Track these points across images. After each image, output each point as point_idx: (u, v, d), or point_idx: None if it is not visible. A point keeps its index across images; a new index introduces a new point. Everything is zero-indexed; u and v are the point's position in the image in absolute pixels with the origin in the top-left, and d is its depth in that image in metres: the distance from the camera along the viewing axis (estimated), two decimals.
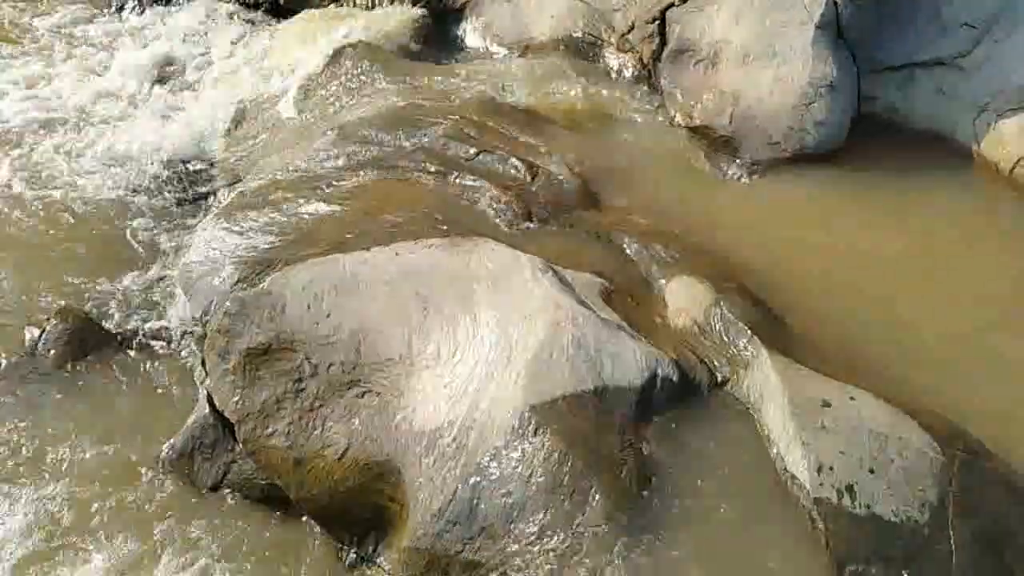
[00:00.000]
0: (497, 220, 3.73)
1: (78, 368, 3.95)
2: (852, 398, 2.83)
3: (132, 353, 4.01)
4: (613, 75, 5.19)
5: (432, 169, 4.02)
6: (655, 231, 3.82)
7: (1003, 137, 4.50)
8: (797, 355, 3.10)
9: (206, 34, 6.45)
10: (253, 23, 6.54)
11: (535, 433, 2.68)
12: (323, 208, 3.86)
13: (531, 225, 3.74)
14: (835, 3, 4.50)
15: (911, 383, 3.09)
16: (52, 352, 3.97)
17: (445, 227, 3.58)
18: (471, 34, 5.81)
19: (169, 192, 4.95)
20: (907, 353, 3.28)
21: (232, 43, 6.30)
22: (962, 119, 4.62)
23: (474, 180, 3.93)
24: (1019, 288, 3.62)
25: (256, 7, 6.75)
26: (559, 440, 2.66)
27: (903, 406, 2.86)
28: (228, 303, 3.38)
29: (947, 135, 4.63)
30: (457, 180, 3.96)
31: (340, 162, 4.23)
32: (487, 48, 5.67)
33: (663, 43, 5.02)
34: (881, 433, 2.70)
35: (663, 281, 3.45)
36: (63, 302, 4.20)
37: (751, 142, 4.49)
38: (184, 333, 3.94)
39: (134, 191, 4.97)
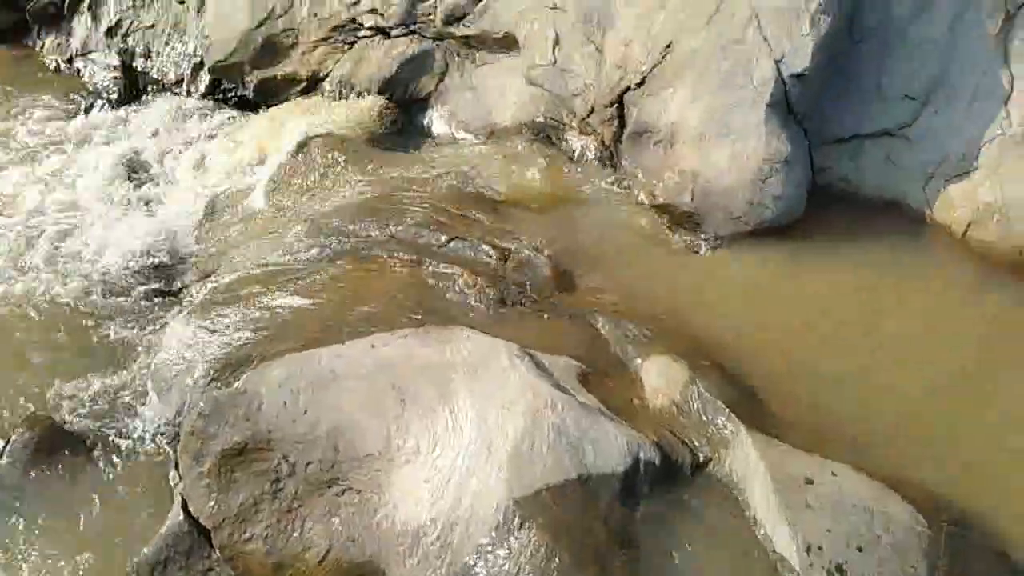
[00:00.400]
0: (471, 306, 3.77)
1: (47, 477, 3.83)
2: (834, 473, 2.86)
3: (103, 458, 3.90)
4: (576, 157, 5.36)
5: (405, 258, 4.07)
6: (627, 309, 3.88)
7: (952, 202, 4.69)
8: (774, 430, 3.14)
9: (175, 129, 6.55)
10: (222, 117, 6.66)
11: (520, 528, 2.65)
12: (297, 301, 3.87)
13: (505, 310, 3.78)
14: (783, 82, 4.72)
15: (888, 453, 3.12)
16: (18, 462, 3.85)
17: (420, 316, 3.61)
18: (437, 122, 5.98)
19: (140, 289, 4.92)
20: (881, 423, 3.32)
21: (201, 137, 6.39)
22: (912, 186, 4.81)
23: (447, 267, 3.98)
24: (984, 354, 3.70)
25: (225, 101, 6.90)
26: (544, 534, 2.62)
27: (883, 478, 2.89)
28: (202, 403, 3.33)
29: (900, 202, 4.81)
30: (430, 268, 4.01)
31: (313, 254, 4.26)
32: (453, 135, 5.83)
33: (622, 125, 5.21)
34: (866, 508, 2.72)
35: (638, 360, 3.49)
36: (30, 408, 4.10)
37: (713, 218, 4.63)
38: (157, 435, 3.86)
39: (104, 289, 4.93)
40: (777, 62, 4.71)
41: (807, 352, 3.70)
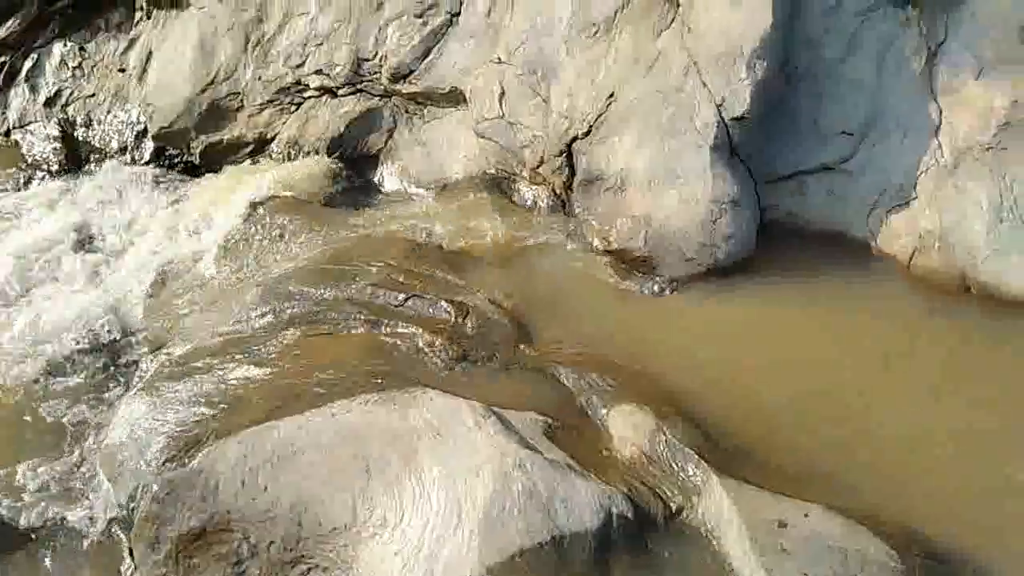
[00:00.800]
0: (432, 366, 3.71)
1: None
2: (806, 515, 2.86)
3: (51, 550, 3.70)
4: (529, 207, 5.39)
5: (362, 320, 4.00)
6: (589, 359, 3.87)
7: (895, 231, 4.84)
8: (743, 472, 3.13)
9: (120, 199, 6.41)
10: (168, 184, 6.55)
11: None
12: (253, 372, 3.76)
13: (468, 367, 3.74)
14: (725, 125, 4.85)
15: (858, 489, 3.13)
16: None
17: (380, 380, 3.53)
18: (388, 178, 5.98)
19: (88, 366, 4.73)
20: (847, 458, 3.33)
21: (148, 205, 6.27)
22: (856, 218, 4.95)
23: (406, 327, 3.93)
24: (943, 383, 3.76)
25: (171, 168, 6.80)
26: None
27: (855, 515, 2.89)
28: (156, 486, 3.20)
29: (845, 234, 4.93)
30: (388, 328, 3.95)
31: (267, 321, 4.17)
32: (405, 190, 5.83)
33: (573, 174, 5.28)
34: (841, 548, 2.71)
35: (604, 411, 3.47)
36: None
37: (667, 260, 4.69)
38: (109, 523, 3.67)
39: (49, 368, 4.73)
40: (718, 106, 4.85)
41: (769, 390, 3.71)
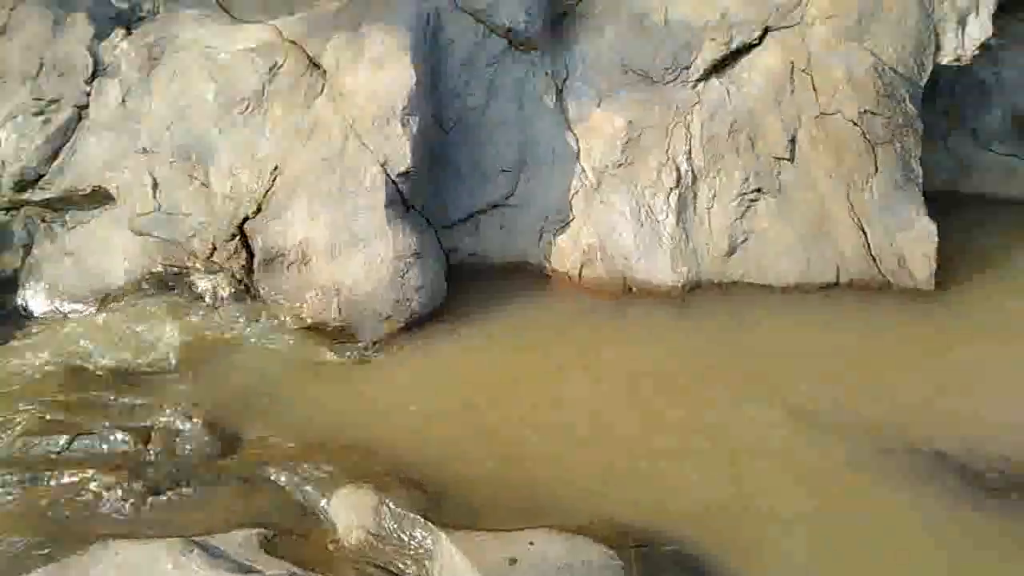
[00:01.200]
0: (116, 511, 3.20)
1: None
2: (531, 543, 2.95)
3: None
4: (210, 299, 4.98)
5: (15, 481, 3.33)
6: (301, 449, 3.65)
7: (563, 250, 5.33)
8: (471, 518, 3.15)
9: None
10: None
11: None
12: None
13: (162, 499, 3.29)
14: (393, 182, 4.95)
15: (572, 502, 3.30)
16: None
17: (48, 548, 2.96)
18: (34, 300, 5.12)
19: None
20: (559, 474, 3.52)
21: None
22: (529, 245, 5.36)
23: (73, 474, 3.35)
24: (628, 381, 4.17)
25: None
26: None
27: (576, 527, 3.05)
28: None
29: (523, 262, 5.32)
30: (52, 483, 3.33)
31: None
32: (58, 310, 5.03)
33: (251, 255, 5.01)
34: (568, 565, 2.85)
35: (324, 501, 3.28)
36: None
37: (365, 325, 4.64)
38: None
39: None
40: (383, 165, 4.94)
41: (477, 430, 3.80)
